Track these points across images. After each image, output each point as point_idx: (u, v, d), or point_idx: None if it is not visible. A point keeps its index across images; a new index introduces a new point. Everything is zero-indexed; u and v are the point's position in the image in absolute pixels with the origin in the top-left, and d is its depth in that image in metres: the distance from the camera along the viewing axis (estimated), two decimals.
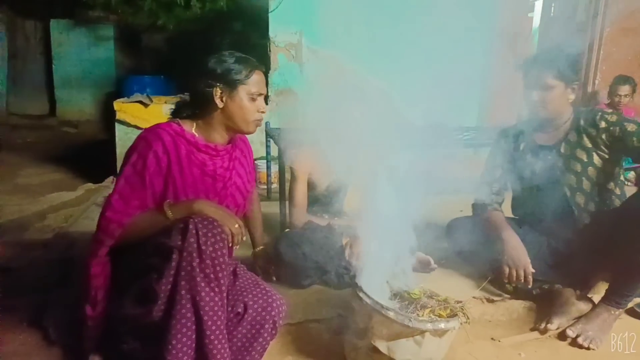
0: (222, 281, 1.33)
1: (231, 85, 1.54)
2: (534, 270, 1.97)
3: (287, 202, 2.44)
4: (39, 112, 7.03)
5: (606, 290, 1.94)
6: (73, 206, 3.36)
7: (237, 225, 1.46)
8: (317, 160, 2.27)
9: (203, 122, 1.58)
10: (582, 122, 2.06)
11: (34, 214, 3.15)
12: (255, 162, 3.95)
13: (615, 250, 1.86)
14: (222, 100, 1.54)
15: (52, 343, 1.67)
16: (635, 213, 1.81)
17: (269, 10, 4.16)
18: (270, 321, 1.50)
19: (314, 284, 2.09)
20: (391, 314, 1.45)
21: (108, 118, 4.86)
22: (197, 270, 1.29)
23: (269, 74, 4.30)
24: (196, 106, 1.59)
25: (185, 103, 1.63)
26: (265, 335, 1.50)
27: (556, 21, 4.55)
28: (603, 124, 2.00)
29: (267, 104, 4.28)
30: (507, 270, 1.99)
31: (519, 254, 1.99)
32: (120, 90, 5.54)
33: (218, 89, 1.53)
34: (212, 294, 1.31)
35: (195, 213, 1.38)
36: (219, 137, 1.61)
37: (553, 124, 2.11)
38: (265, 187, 3.72)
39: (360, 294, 1.53)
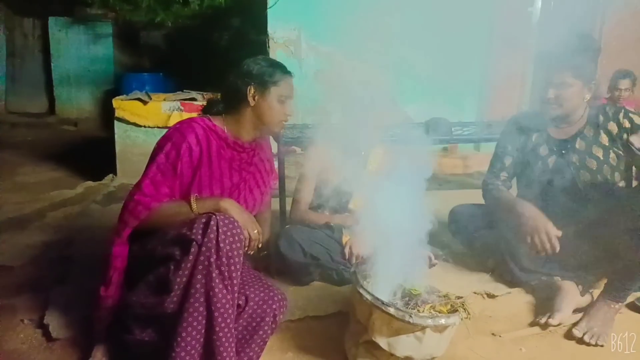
0: (235, 281, 1.37)
1: (264, 85, 1.63)
2: (559, 233, 1.88)
3: (287, 198, 2.43)
4: (38, 110, 7.01)
5: (605, 284, 1.94)
6: (73, 204, 3.35)
7: (256, 231, 1.53)
8: (327, 157, 2.26)
9: (233, 119, 1.67)
10: (601, 118, 2.02)
11: (34, 212, 3.15)
12: None
13: (613, 244, 1.85)
14: (254, 99, 1.63)
15: (52, 341, 1.67)
16: (631, 207, 1.77)
17: (268, 7, 4.14)
18: (271, 314, 1.51)
19: (314, 281, 2.09)
20: (391, 310, 1.45)
21: (107, 116, 4.84)
22: (214, 266, 1.33)
23: None
24: (228, 103, 1.68)
25: (217, 100, 1.72)
26: (266, 328, 1.51)
27: (556, 15, 4.53)
28: (627, 124, 1.97)
29: None
30: (530, 239, 1.91)
31: (537, 220, 1.91)
32: (119, 87, 5.51)
33: (252, 87, 1.62)
34: (224, 291, 1.34)
35: (221, 211, 1.45)
36: (246, 134, 1.68)
37: (567, 120, 2.07)
38: None
39: (361, 290, 1.53)
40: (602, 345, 1.80)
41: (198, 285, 1.33)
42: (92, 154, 4.68)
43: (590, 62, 1.98)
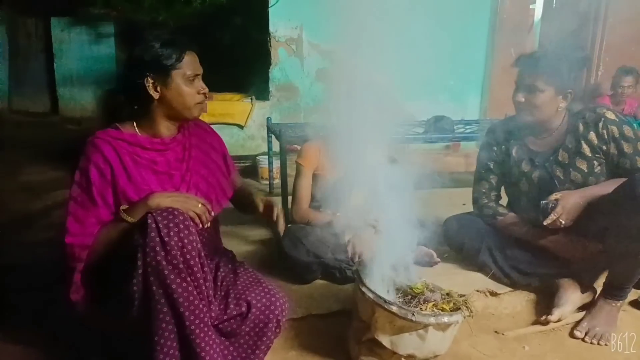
0: (195, 269, 1.30)
1: (163, 72, 1.44)
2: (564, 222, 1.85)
3: (289, 197, 2.44)
4: (41, 110, 7.03)
5: (604, 283, 1.93)
6: None
7: (200, 205, 1.41)
8: (323, 155, 2.27)
9: (143, 119, 1.51)
10: (580, 127, 1.95)
11: (38, 212, 3.16)
12: (257, 157, 3.96)
13: (609, 241, 1.82)
14: (156, 90, 1.45)
15: (56, 340, 1.68)
16: (626, 201, 1.71)
17: (269, 5, 4.14)
18: (274, 320, 1.48)
19: (317, 279, 2.09)
20: (394, 308, 1.46)
21: None
22: (164, 263, 1.25)
23: (269, 69, 4.29)
24: (132, 103, 1.50)
25: (120, 103, 1.52)
26: (269, 334, 1.48)
27: (559, 12, 4.52)
28: (605, 135, 1.90)
29: (268, 99, 4.29)
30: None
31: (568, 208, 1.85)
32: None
33: (149, 78, 1.44)
34: (184, 284, 1.27)
35: (154, 208, 1.33)
36: (165, 129, 1.53)
37: (544, 128, 2.01)
38: (268, 182, 3.72)
39: (363, 289, 1.53)
40: (605, 345, 1.79)
41: (154, 288, 1.25)
42: (76, 159, 4.68)
43: (570, 71, 1.90)
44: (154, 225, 1.27)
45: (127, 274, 1.28)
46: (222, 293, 1.50)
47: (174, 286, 1.26)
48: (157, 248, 1.25)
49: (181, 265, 1.27)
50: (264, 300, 1.49)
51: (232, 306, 1.45)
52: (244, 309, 1.45)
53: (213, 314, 1.39)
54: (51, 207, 3.25)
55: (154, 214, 1.29)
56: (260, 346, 1.48)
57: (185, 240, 1.29)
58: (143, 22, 5.61)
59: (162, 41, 1.45)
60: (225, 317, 1.43)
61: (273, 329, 1.49)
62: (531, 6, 4.61)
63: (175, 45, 1.46)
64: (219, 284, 1.53)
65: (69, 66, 6.81)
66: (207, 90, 1.52)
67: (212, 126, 1.76)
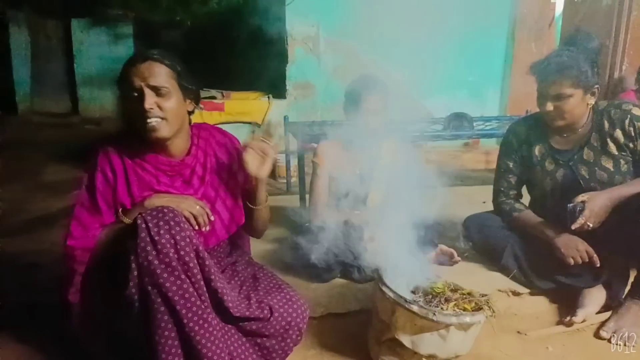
0: (191, 265, 1.27)
1: (119, 87, 1.42)
2: (591, 250, 1.83)
3: (306, 196, 2.43)
4: (61, 111, 7.16)
5: (631, 283, 1.88)
6: None
7: (197, 207, 1.40)
8: (339, 154, 2.25)
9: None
10: (606, 125, 1.89)
11: (59, 211, 3.20)
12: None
13: (637, 242, 1.76)
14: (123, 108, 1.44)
15: (76, 339, 1.69)
16: None
17: (286, 3, 4.14)
18: (295, 327, 1.46)
19: (336, 278, 2.08)
20: (415, 308, 1.44)
21: None
22: (156, 262, 1.23)
23: (286, 68, 4.28)
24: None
25: None
26: (289, 341, 1.46)
27: (581, 6, 4.42)
28: (632, 132, 1.84)
29: (285, 97, 4.29)
30: (572, 261, 1.85)
31: (573, 247, 1.85)
32: None
33: (120, 96, 1.43)
34: (178, 282, 1.25)
35: (147, 209, 1.33)
36: (175, 147, 1.48)
37: (570, 128, 1.95)
38: (285, 180, 3.72)
39: (383, 288, 1.51)
40: (633, 346, 1.74)
41: (149, 288, 1.24)
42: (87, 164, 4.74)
43: (591, 65, 1.83)
44: (143, 226, 1.25)
45: (124, 276, 1.27)
46: (242, 295, 1.48)
47: (167, 285, 1.24)
48: (148, 248, 1.24)
49: (174, 263, 1.25)
50: (286, 306, 1.47)
51: (254, 307, 1.43)
52: (266, 311, 1.43)
53: (230, 304, 1.36)
54: (72, 207, 3.29)
55: (144, 214, 1.27)
56: (277, 351, 1.46)
57: (178, 237, 1.26)
58: (160, 23, 5.67)
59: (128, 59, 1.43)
60: (247, 313, 1.41)
61: (294, 336, 1.47)
62: (552, 0, 4.52)
63: (126, 62, 1.43)
64: (239, 287, 1.52)
65: (89, 67, 6.92)
66: (150, 105, 1.39)
67: (229, 125, 1.72)
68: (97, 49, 6.90)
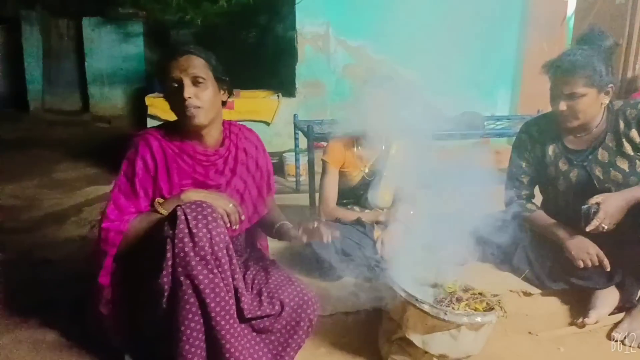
0: (223, 260, 1.31)
1: (159, 77, 1.52)
2: (605, 260, 1.82)
3: (316, 195, 2.43)
4: (72, 109, 7.20)
5: None
6: (108, 199, 3.43)
7: (231, 205, 1.45)
8: (348, 152, 2.25)
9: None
10: (621, 125, 1.86)
11: (71, 208, 3.24)
12: (284, 154, 3.96)
13: None
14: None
15: (90, 334, 1.71)
16: None
17: (296, 2, 4.14)
18: (306, 319, 1.48)
19: (346, 277, 2.07)
20: (426, 307, 1.43)
21: (139, 113, 4.93)
22: (192, 254, 1.27)
23: (296, 66, 4.29)
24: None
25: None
26: (301, 333, 1.49)
27: (593, 5, 4.38)
28: None
29: (294, 95, 4.29)
30: (582, 264, 1.84)
31: (584, 250, 1.83)
32: (150, 85, 5.62)
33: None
34: (210, 275, 1.29)
35: (185, 202, 1.37)
36: (210, 138, 1.56)
37: (584, 128, 1.92)
38: (294, 179, 3.72)
39: (394, 287, 1.51)
40: None
41: (182, 278, 1.27)
42: (126, 150, 4.78)
43: (605, 64, 1.79)
44: (183, 217, 1.29)
45: (157, 266, 1.30)
46: (254, 291, 1.50)
47: (200, 277, 1.28)
48: (186, 239, 1.28)
49: (208, 257, 1.29)
50: (296, 299, 1.49)
51: (265, 304, 1.45)
52: (277, 307, 1.46)
53: (245, 306, 1.39)
54: (83, 204, 3.33)
55: (184, 206, 1.32)
56: (291, 344, 1.48)
57: (214, 232, 1.31)
58: (171, 22, 5.69)
59: (165, 49, 1.51)
60: (259, 313, 1.42)
61: (305, 328, 1.49)
62: None
63: (166, 52, 1.54)
64: (250, 281, 1.54)
65: (100, 65, 6.96)
66: (191, 95, 1.47)
67: (239, 123, 1.76)
68: (107, 47, 6.93)
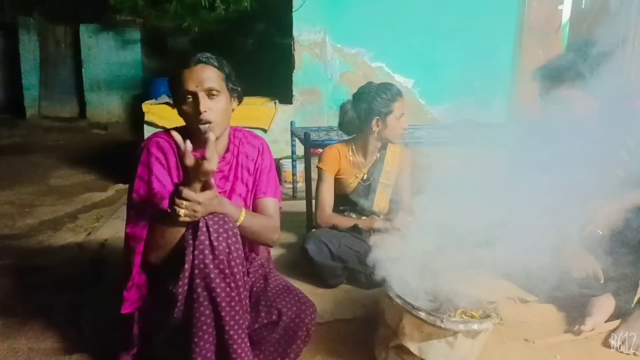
0: (237, 276, 1.32)
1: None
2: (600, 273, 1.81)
3: (313, 201, 2.43)
4: (69, 115, 7.21)
5: None
6: (104, 206, 3.43)
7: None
8: (344, 159, 2.26)
9: (199, 132, 1.45)
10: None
11: (67, 214, 3.23)
12: (281, 161, 3.96)
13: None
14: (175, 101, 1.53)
15: (86, 340, 1.70)
16: None
17: (293, 10, 4.16)
18: (304, 328, 1.48)
19: (342, 284, 2.07)
20: (422, 315, 1.43)
21: (136, 120, 4.94)
22: (211, 266, 1.28)
23: (293, 73, 4.30)
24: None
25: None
26: (299, 342, 1.49)
27: (588, 13, 4.41)
28: None
29: (291, 102, 4.30)
30: (576, 275, 1.83)
31: (578, 260, 1.84)
32: (147, 92, 5.62)
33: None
34: (227, 289, 1.30)
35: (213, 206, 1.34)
36: (218, 145, 1.50)
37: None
38: (291, 186, 3.72)
39: (390, 294, 1.50)
40: None
41: (199, 289, 1.28)
42: (122, 157, 4.78)
43: (591, 70, 1.77)
44: (204, 229, 1.30)
45: (174, 274, 1.30)
46: (253, 300, 1.50)
47: (218, 290, 1.28)
48: (206, 251, 1.29)
49: (227, 271, 1.30)
50: (294, 308, 1.49)
51: (263, 314, 1.45)
52: (274, 317, 1.46)
53: (247, 322, 1.39)
54: (79, 211, 3.32)
55: (207, 218, 1.32)
56: (289, 354, 1.48)
57: (232, 247, 1.32)
58: (168, 29, 5.71)
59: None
60: (256, 326, 1.43)
61: (302, 337, 1.49)
62: (559, 7, 4.51)
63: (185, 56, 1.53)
64: (249, 289, 1.53)
65: (97, 72, 6.97)
66: (205, 108, 1.43)
67: (245, 129, 1.74)
68: (105, 54, 6.95)
